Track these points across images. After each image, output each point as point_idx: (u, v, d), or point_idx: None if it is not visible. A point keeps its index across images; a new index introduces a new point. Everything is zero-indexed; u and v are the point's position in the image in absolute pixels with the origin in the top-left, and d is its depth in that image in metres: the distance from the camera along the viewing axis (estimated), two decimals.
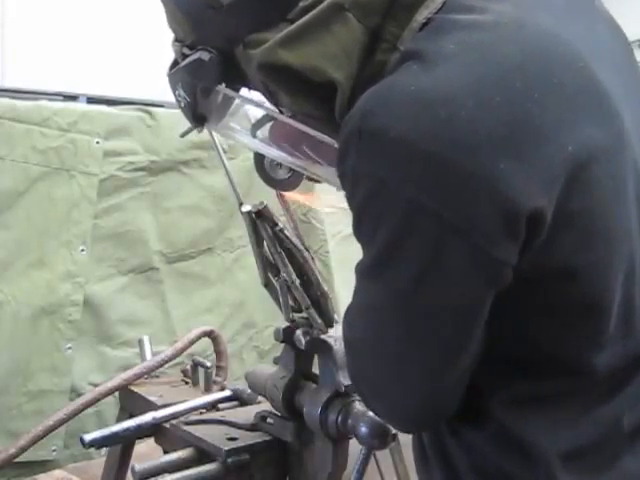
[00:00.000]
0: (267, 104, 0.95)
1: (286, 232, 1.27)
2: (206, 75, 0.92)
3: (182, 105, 0.99)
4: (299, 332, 1.32)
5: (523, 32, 0.77)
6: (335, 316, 1.34)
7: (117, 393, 1.84)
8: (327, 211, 2.71)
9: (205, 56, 0.91)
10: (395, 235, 0.76)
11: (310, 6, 0.83)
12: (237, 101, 1.02)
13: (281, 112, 0.97)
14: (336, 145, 0.87)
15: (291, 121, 0.93)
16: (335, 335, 1.33)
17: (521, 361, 0.86)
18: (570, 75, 0.77)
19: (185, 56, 0.95)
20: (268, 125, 1.05)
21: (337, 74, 0.83)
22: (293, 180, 1.28)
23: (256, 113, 1.06)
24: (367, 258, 0.81)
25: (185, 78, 0.95)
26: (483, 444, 0.90)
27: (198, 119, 1.00)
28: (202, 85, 0.94)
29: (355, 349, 0.91)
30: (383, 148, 0.74)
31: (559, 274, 0.79)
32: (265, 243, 1.31)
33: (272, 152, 1.06)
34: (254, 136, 1.06)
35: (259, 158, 1.26)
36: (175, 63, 1.00)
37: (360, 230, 0.80)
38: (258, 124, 1.06)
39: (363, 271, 0.83)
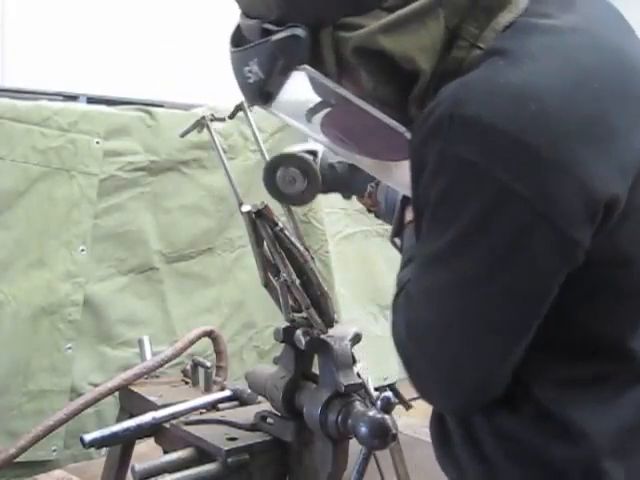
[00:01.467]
0: (339, 89, 0.95)
1: (286, 232, 1.28)
2: (297, 52, 0.92)
3: (250, 81, 0.97)
4: (299, 332, 1.32)
5: (596, 41, 0.87)
6: (335, 316, 1.34)
7: (117, 393, 1.84)
8: (327, 211, 2.71)
9: (301, 33, 0.91)
10: (482, 217, 0.81)
11: None
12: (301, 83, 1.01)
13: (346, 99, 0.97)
14: (402, 129, 0.93)
15: (364, 103, 0.94)
16: (335, 335, 1.33)
17: (566, 344, 0.91)
18: (637, 83, 0.88)
19: (266, 32, 0.94)
20: (320, 113, 1.06)
21: (425, 65, 0.89)
22: (305, 196, 1.29)
23: (312, 98, 1.06)
24: (441, 241, 0.85)
25: (269, 53, 0.94)
26: (520, 428, 0.94)
27: (265, 97, 0.99)
28: (288, 62, 0.94)
29: (419, 331, 0.92)
30: (476, 133, 0.80)
31: (617, 260, 0.87)
32: (265, 243, 1.31)
33: (322, 138, 1.07)
34: (309, 121, 1.07)
35: (270, 175, 1.26)
36: (237, 40, 1.00)
37: (438, 213, 0.85)
38: (314, 109, 1.06)
39: (436, 253, 0.87)
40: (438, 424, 1.07)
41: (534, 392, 0.93)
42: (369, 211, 1.31)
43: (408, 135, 0.94)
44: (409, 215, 1.14)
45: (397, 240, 1.18)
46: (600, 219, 0.81)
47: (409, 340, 0.93)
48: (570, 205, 0.79)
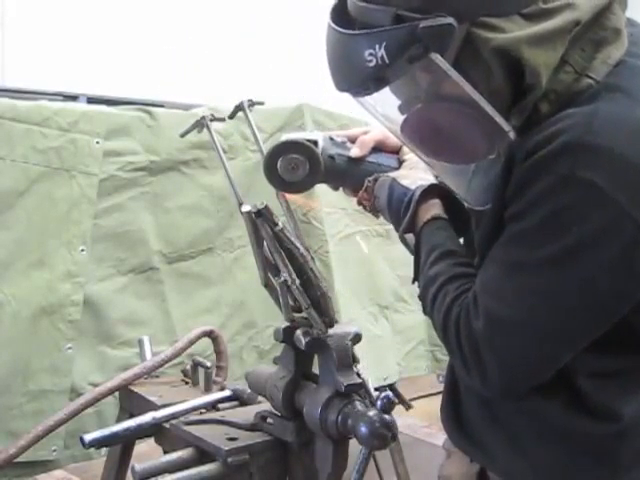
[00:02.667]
0: (462, 81, 0.98)
1: (286, 232, 1.27)
2: (444, 41, 0.95)
3: (370, 65, 0.97)
4: (299, 332, 1.32)
5: None
6: (335, 316, 1.34)
7: (117, 393, 1.84)
8: (327, 211, 2.71)
9: (453, 22, 0.93)
10: (596, 234, 0.92)
11: (552, 11, 0.96)
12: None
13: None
14: (507, 127, 0.99)
15: (480, 97, 0.98)
16: (335, 335, 1.32)
17: (611, 340, 1.01)
18: None
19: (399, 19, 0.95)
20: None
21: (544, 82, 0.97)
22: (305, 183, 1.29)
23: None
24: (549, 249, 0.95)
25: (406, 39, 0.95)
26: (553, 410, 1.07)
27: (378, 82, 1.01)
28: (427, 50, 0.95)
29: (502, 324, 1.01)
30: (606, 161, 0.91)
31: None
32: (265, 243, 1.31)
33: (401, 137, 1.11)
34: (403, 113, 1.09)
35: (272, 162, 1.26)
36: (345, 23, 0.99)
37: (550, 223, 0.95)
38: (408, 104, 1.08)
39: (540, 259, 0.96)
40: (453, 409, 1.20)
41: (571, 380, 1.05)
42: (360, 204, 1.31)
43: (512, 135, 1.00)
44: (426, 213, 1.18)
45: (408, 236, 1.20)
46: None
47: (487, 337, 1.01)
48: None
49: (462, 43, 0.96)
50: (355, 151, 1.29)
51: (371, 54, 0.96)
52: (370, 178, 1.26)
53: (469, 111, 1.00)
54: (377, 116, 1.13)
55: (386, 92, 1.06)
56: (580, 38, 0.98)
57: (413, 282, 1.21)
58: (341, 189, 1.38)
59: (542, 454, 1.10)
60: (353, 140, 1.31)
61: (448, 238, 1.16)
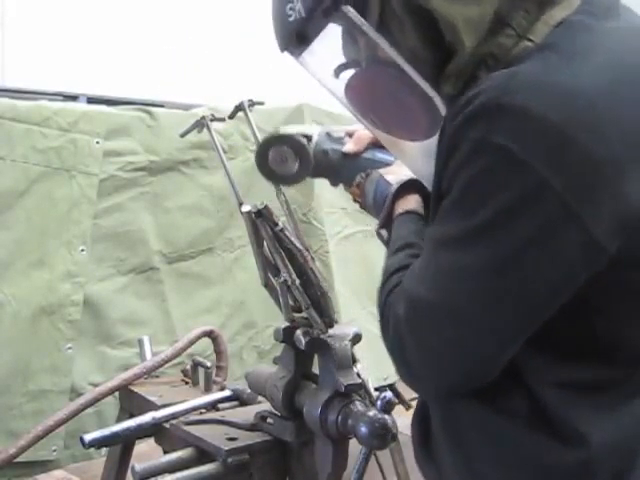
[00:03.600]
0: (379, 38, 0.94)
1: (286, 232, 1.28)
2: None
3: (290, 19, 0.97)
4: (299, 332, 1.32)
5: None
6: (335, 316, 1.34)
7: (117, 393, 1.84)
8: (327, 211, 2.71)
9: None
10: (513, 207, 0.80)
11: None
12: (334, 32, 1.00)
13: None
14: (432, 93, 0.93)
15: (400, 58, 0.93)
16: (335, 335, 1.32)
17: (576, 347, 0.89)
18: None
19: None
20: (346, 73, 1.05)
21: (467, 41, 0.89)
22: (295, 176, 1.28)
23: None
24: (465, 225, 0.84)
25: None
26: (513, 428, 0.92)
27: (300, 39, 0.99)
28: (334, 2, 0.93)
29: (421, 311, 0.91)
30: (522, 124, 0.79)
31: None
32: (265, 243, 1.31)
33: (342, 98, 1.05)
34: (337, 77, 1.05)
35: (263, 153, 1.26)
36: None
37: (465, 197, 0.85)
38: (344, 66, 1.04)
39: (457, 237, 0.86)
40: (420, 424, 1.07)
41: (535, 392, 0.91)
42: (355, 201, 1.30)
43: (438, 101, 0.93)
44: (400, 208, 1.14)
45: (383, 232, 1.17)
46: (630, 232, 0.80)
47: (407, 320, 0.92)
48: (604, 210, 0.79)
49: (380, 1, 0.92)
50: (349, 146, 1.26)
51: (291, 8, 0.97)
52: (362, 174, 1.25)
53: (392, 74, 0.95)
54: (323, 82, 1.06)
55: (326, 54, 1.03)
56: (525, 0, 0.89)
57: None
58: (342, 187, 1.37)
59: (497, 476, 0.95)
60: (352, 136, 1.29)
61: (413, 231, 1.09)
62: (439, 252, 0.89)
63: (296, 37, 0.99)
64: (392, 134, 1.07)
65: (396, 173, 1.19)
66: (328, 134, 1.30)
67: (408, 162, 1.13)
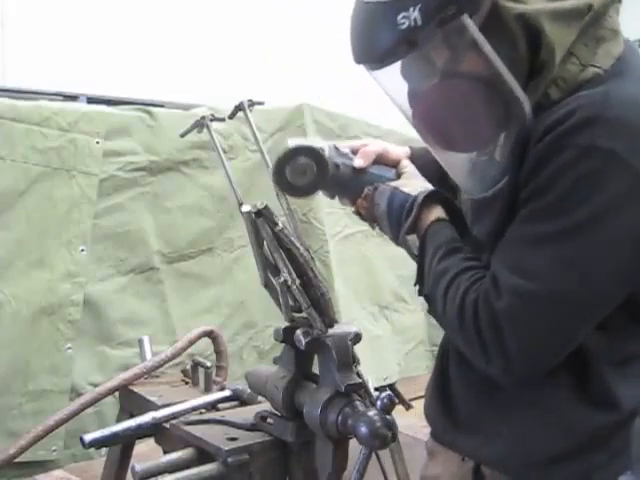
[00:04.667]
0: (487, 46, 1.04)
1: (286, 232, 1.27)
2: (474, 3, 1.01)
3: (402, 27, 1.02)
4: (299, 332, 1.32)
5: None
6: (335, 316, 1.34)
7: (117, 393, 1.84)
8: (327, 211, 2.71)
9: None
10: (619, 200, 0.98)
11: None
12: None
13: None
14: (523, 97, 1.05)
15: (501, 64, 1.03)
16: (335, 335, 1.32)
17: (625, 322, 1.07)
18: None
19: None
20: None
21: (557, 61, 1.04)
22: (312, 187, 1.30)
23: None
24: (573, 218, 0.99)
25: (439, 1, 1.01)
26: (556, 395, 1.10)
27: (408, 45, 1.05)
28: (459, 11, 1.01)
29: (531, 299, 1.02)
30: (622, 131, 0.98)
31: None
32: (265, 243, 1.31)
33: (415, 117, 1.15)
34: (416, 94, 1.14)
35: (282, 163, 1.27)
36: None
37: (573, 193, 0.99)
38: (422, 83, 1.12)
39: (563, 230, 1.00)
40: (441, 399, 1.23)
41: (588, 364, 1.08)
42: (357, 213, 1.33)
43: (527, 108, 1.05)
44: (429, 216, 1.20)
45: (409, 237, 1.22)
46: None
47: (511, 311, 1.02)
48: None
49: (487, 13, 1.02)
50: (359, 161, 1.31)
51: (405, 17, 1.01)
52: (370, 187, 1.29)
53: (484, 87, 1.05)
54: (391, 95, 1.16)
55: (403, 70, 1.12)
56: (584, 34, 1.05)
57: (415, 284, 1.22)
58: (337, 198, 1.39)
59: (541, 439, 1.11)
60: (355, 152, 1.34)
61: (453, 237, 1.18)
62: (542, 246, 1.01)
63: (405, 43, 1.04)
64: (454, 147, 1.17)
65: (410, 186, 1.25)
66: (336, 148, 1.33)
67: (448, 167, 1.23)
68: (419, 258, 1.20)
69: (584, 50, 1.06)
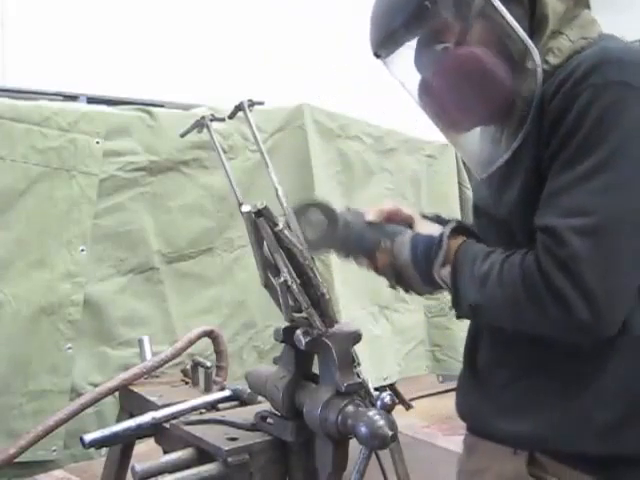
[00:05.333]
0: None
1: (286, 232, 1.27)
2: None
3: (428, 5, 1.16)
4: (299, 332, 1.32)
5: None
6: (335, 316, 1.34)
7: (117, 393, 1.84)
8: None
9: None
10: None
11: None
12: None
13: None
14: (533, 47, 1.13)
15: (512, 19, 1.14)
16: (335, 335, 1.32)
17: None
18: None
19: None
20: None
21: (550, 26, 1.17)
22: (322, 243, 1.34)
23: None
24: (609, 144, 1.04)
25: None
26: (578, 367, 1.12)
27: (422, 9, 1.17)
28: None
29: (605, 230, 1.04)
30: (632, 68, 1.07)
31: None
32: (265, 243, 1.31)
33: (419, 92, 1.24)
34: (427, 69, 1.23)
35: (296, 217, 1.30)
36: None
37: (601, 126, 1.04)
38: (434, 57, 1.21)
39: (610, 154, 1.04)
40: (477, 385, 1.25)
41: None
42: (375, 268, 1.34)
43: (537, 59, 1.13)
44: (460, 241, 1.22)
45: (444, 271, 1.22)
46: None
47: (588, 250, 1.02)
48: None
49: None
50: (372, 216, 1.34)
51: None
52: (387, 239, 1.30)
53: (499, 49, 1.15)
54: (405, 80, 1.25)
55: (417, 53, 1.22)
56: (566, 21, 1.18)
57: (451, 308, 1.22)
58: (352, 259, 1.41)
59: (601, 407, 1.10)
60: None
61: (485, 247, 1.19)
62: (591, 181, 1.04)
63: (418, 6, 1.16)
64: (465, 116, 1.23)
65: (427, 230, 1.29)
66: (348, 208, 1.38)
67: (459, 148, 1.35)
68: (452, 276, 1.20)
69: (570, 31, 1.17)
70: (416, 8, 1.17)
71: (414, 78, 1.25)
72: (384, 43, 1.24)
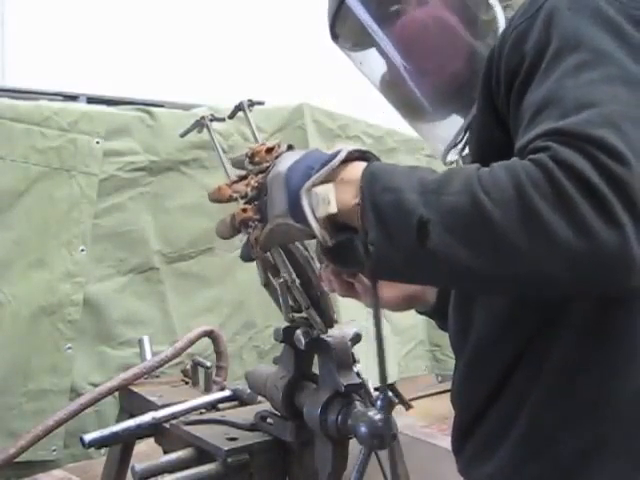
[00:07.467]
0: None
1: None
2: None
3: None
4: (299, 332, 1.32)
5: None
6: (335, 316, 1.34)
7: (117, 393, 1.84)
8: None
9: None
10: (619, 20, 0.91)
11: None
12: None
13: None
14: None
15: None
16: (335, 335, 1.32)
17: None
18: None
19: None
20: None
21: None
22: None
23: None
24: (585, 45, 0.89)
25: None
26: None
27: None
28: None
29: (613, 114, 0.80)
30: None
31: None
32: None
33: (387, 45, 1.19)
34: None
35: None
36: None
37: (568, 28, 0.91)
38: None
39: (589, 59, 0.88)
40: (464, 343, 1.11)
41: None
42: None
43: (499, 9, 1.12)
44: (358, 165, 0.96)
45: (319, 191, 0.95)
46: None
47: (607, 137, 0.77)
48: None
49: None
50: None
51: None
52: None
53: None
54: (361, 64, 1.24)
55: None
56: None
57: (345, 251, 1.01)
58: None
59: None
60: None
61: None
62: (585, 73, 0.86)
63: None
64: (430, 77, 1.18)
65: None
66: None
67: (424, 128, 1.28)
68: (363, 191, 0.89)
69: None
70: None
71: (373, 58, 1.20)
72: (338, 15, 1.20)
